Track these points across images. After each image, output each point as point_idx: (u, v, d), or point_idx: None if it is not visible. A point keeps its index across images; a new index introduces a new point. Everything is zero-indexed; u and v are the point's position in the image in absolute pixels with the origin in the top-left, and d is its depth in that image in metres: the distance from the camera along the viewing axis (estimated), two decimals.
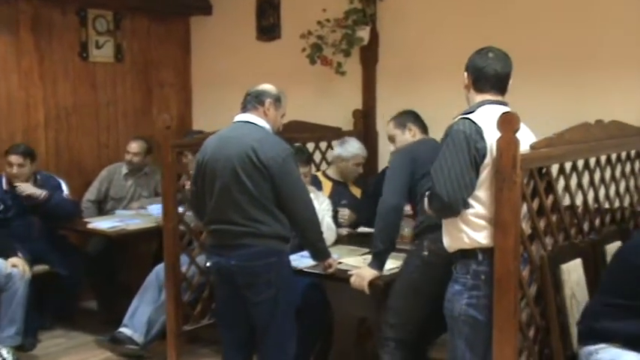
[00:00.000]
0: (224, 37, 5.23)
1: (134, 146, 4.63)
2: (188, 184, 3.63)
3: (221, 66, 5.27)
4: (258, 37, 5.03)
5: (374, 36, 4.40)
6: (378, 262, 2.89)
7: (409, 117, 3.24)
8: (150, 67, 5.27)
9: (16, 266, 3.74)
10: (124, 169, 4.69)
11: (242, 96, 5.03)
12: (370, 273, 2.88)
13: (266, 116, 2.92)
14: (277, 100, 2.96)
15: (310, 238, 2.93)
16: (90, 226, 4.22)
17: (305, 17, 4.50)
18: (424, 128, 3.25)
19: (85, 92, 4.89)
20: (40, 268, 4.04)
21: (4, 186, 4.11)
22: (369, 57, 4.47)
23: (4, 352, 3.65)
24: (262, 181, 2.74)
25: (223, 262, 2.84)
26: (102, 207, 4.63)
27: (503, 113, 2.17)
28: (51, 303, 4.19)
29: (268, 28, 4.97)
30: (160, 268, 3.79)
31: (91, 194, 4.62)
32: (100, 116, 4.99)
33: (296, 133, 3.94)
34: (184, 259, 3.61)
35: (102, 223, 4.21)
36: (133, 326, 3.70)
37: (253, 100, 2.94)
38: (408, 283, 2.87)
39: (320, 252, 2.98)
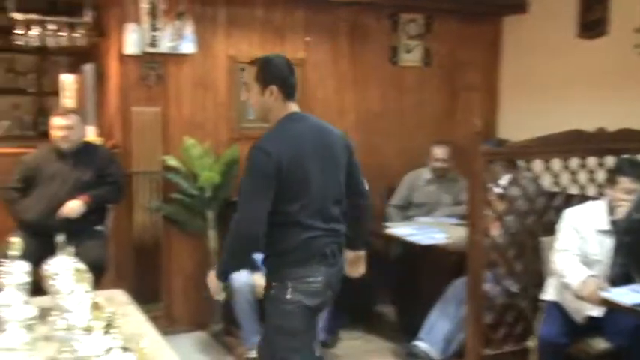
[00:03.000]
0: (539, 36, 4.81)
1: (440, 152, 4.50)
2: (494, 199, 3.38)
3: (534, 68, 4.87)
4: (580, 35, 4.50)
5: None
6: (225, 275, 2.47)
7: (277, 72, 2.41)
8: (456, 71, 5.12)
9: None
10: (427, 175, 4.60)
11: (558, 101, 4.69)
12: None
13: None
14: None
15: None
16: (388, 231, 4.21)
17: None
18: (291, 94, 2.45)
19: (392, 97, 4.93)
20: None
21: None
22: None
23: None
24: None
25: None
26: (405, 213, 4.59)
27: None
28: (351, 304, 4.27)
29: (593, 23, 4.41)
30: (460, 281, 3.59)
31: (395, 200, 4.61)
32: (405, 121, 4.99)
33: (624, 144, 3.39)
34: (488, 276, 3.35)
35: (400, 230, 4.16)
36: (430, 341, 3.56)
37: None
38: (278, 330, 2.42)
39: None
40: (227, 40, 4.37)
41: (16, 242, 1.82)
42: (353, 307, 4.28)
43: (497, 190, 3.39)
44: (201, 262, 4.23)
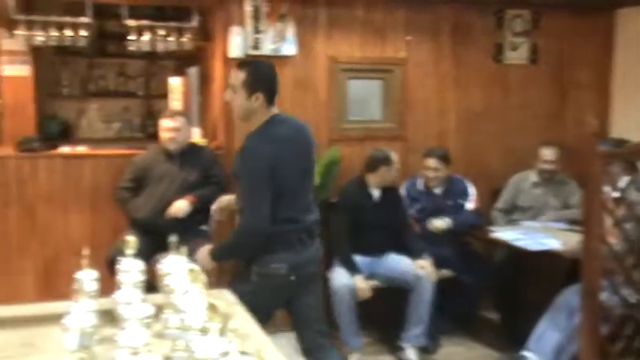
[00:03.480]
0: None
1: (549, 153, 4.29)
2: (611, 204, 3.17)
3: None
4: None
5: None
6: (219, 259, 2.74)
7: (264, 81, 2.60)
8: (565, 68, 4.89)
9: (423, 268, 3.81)
10: (533, 177, 4.40)
11: None
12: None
13: None
14: None
15: None
16: (492, 235, 4.06)
17: None
18: (273, 100, 2.63)
19: (495, 96, 4.78)
20: (445, 273, 4.03)
21: (421, 187, 4.22)
22: None
23: (410, 352, 3.74)
24: None
25: None
26: (509, 216, 4.41)
27: None
28: (452, 309, 4.15)
29: None
30: (571, 290, 3.40)
31: (500, 203, 4.45)
32: (509, 121, 4.81)
33: None
34: (604, 285, 3.14)
35: (505, 234, 4.00)
36: (539, 351, 3.39)
37: None
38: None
39: None
40: (327, 41, 4.37)
41: (132, 241, 1.86)
42: (455, 313, 4.18)
43: (614, 194, 3.17)
44: None
